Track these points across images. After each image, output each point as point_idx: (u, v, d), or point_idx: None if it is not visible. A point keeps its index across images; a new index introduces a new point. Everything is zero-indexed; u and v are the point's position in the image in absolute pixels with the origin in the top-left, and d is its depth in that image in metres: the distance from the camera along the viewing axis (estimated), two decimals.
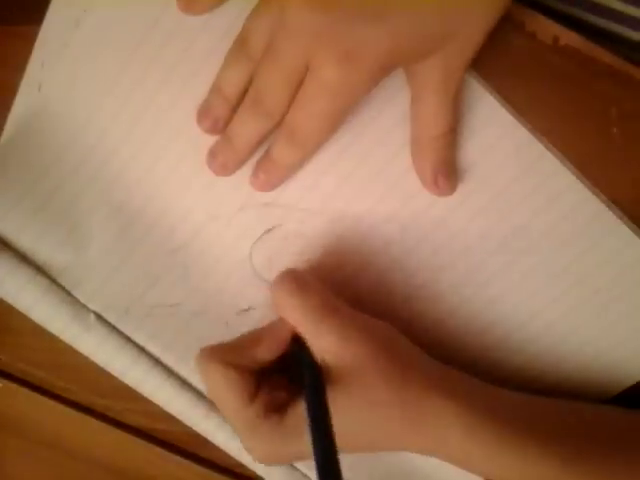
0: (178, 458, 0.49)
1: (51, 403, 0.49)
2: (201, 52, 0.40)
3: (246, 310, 0.45)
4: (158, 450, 0.49)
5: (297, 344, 0.39)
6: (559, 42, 0.40)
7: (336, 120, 0.38)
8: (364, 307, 0.41)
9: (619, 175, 0.41)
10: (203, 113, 0.40)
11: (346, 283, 0.44)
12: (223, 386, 0.38)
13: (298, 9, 0.34)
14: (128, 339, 0.45)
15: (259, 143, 0.40)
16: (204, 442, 0.47)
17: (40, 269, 0.44)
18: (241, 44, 0.38)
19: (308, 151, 0.40)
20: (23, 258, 0.44)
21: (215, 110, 0.40)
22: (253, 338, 0.40)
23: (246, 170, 0.42)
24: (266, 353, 0.39)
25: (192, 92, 0.41)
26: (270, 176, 0.41)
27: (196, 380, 0.46)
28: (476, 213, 0.42)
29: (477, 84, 0.40)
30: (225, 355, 0.38)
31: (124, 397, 0.47)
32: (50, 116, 0.42)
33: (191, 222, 0.43)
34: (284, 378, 0.40)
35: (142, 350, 0.46)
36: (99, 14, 0.41)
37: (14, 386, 0.49)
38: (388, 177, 0.42)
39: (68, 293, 0.45)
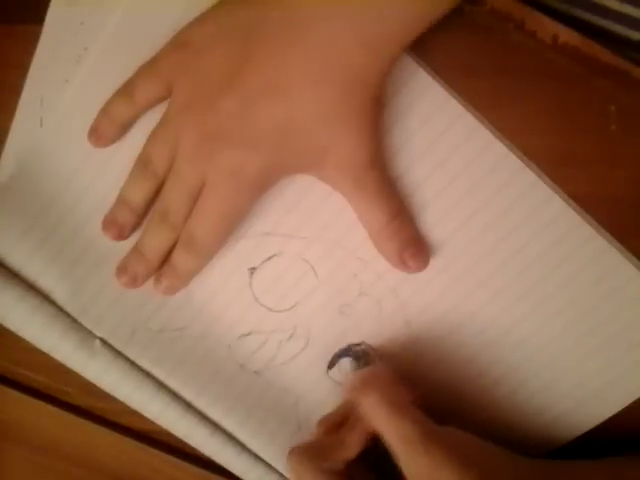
0: (177, 460, 0.49)
1: (48, 407, 0.48)
2: None
3: (247, 335, 0.46)
4: (156, 452, 0.49)
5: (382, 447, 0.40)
6: (558, 40, 0.40)
7: (227, 228, 0.42)
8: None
9: (617, 172, 0.41)
10: (109, 222, 0.44)
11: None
12: None
13: (190, 138, 0.40)
14: (133, 364, 0.46)
15: (167, 253, 0.43)
16: None
17: (46, 298, 0.45)
18: (146, 163, 0.42)
19: (204, 258, 0.43)
20: (29, 288, 0.45)
21: (121, 219, 0.43)
22: (337, 439, 0.42)
23: None
24: (352, 453, 0.41)
25: None
26: (172, 281, 0.44)
27: (200, 403, 0.47)
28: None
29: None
30: (316, 461, 0.40)
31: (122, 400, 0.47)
32: (51, 151, 0.44)
33: None
34: (369, 472, 0.43)
35: (147, 374, 0.46)
36: (100, 51, 0.42)
37: (11, 390, 0.49)
38: None
39: (74, 320, 0.45)
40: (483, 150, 0.41)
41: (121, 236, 0.43)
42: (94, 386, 0.47)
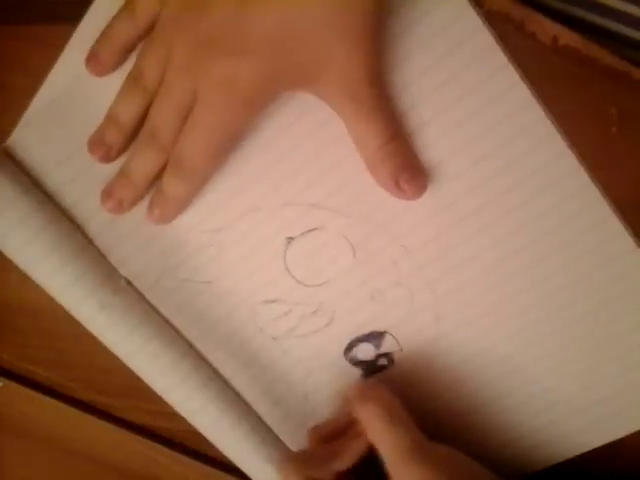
0: (181, 456, 0.49)
1: (53, 402, 0.49)
2: None
3: (273, 301, 0.45)
4: (161, 448, 0.49)
5: (375, 459, 0.40)
6: (558, 42, 0.40)
7: (219, 150, 0.40)
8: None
9: (618, 175, 0.41)
10: (96, 142, 0.41)
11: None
12: None
13: (181, 47, 0.37)
14: (152, 311, 0.45)
15: (156, 177, 0.41)
16: (207, 440, 0.47)
17: (79, 227, 0.43)
18: (136, 77, 0.40)
19: (196, 182, 0.41)
20: (62, 215, 0.43)
21: (108, 138, 0.41)
22: (330, 450, 0.42)
23: (297, 167, 0.42)
24: (345, 464, 0.41)
25: None
26: (164, 210, 0.42)
27: (213, 358, 0.46)
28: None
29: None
30: (308, 469, 0.41)
31: (126, 395, 0.48)
32: (113, 79, 0.41)
33: (233, 208, 0.43)
34: None
35: (164, 324, 0.45)
36: None
37: (16, 385, 0.49)
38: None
39: (102, 255, 0.44)
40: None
41: (108, 157, 0.41)
42: (98, 382, 0.47)
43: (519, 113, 0.39)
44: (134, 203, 0.42)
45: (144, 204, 0.42)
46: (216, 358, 0.46)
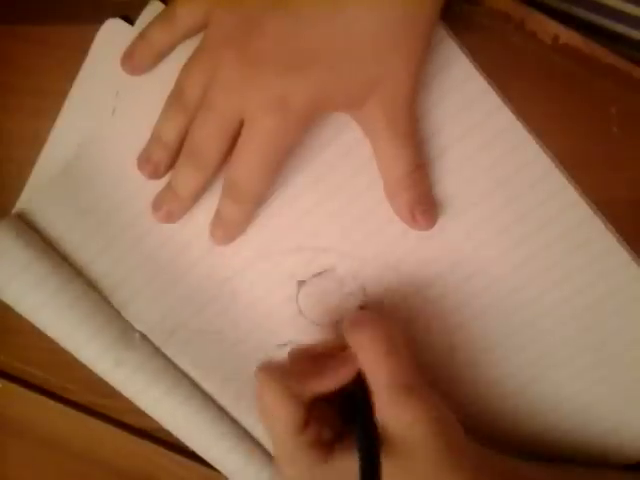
0: (181, 458, 0.49)
1: (51, 403, 0.49)
2: None
3: (286, 345, 0.45)
4: (160, 449, 0.49)
5: (359, 389, 0.38)
6: (559, 41, 0.40)
7: (273, 169, 0.40)
8: None
9: (618, 174, 0.41)
10: (143, 160, 0.42)
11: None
12: (278, 410, 0.37)
13: (230, 64, 0.37)
14: (168, 363, 0.46)
15: (202, 191, 0.42)
16: None
17: (91, 285, 0.44)
18: (178, 95, 0.40)
19: (252, 203, 0.41)
20: (77, 275, 0.44)
21: (155, 156, 0.41)
22: (317, 369, 0.39)
23: (309, 210, 0.43)
24: (326, 387, 0.38)
25: None
26: (226, 232, 0.43)
27: (234, 410, 0.46)
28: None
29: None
30: (287, 380, 0.37)
31: (125, 397, 0.47)
32: (120, 140, 0.43)
33: (243, 254, 0.44)
34: (332, 409, 0.40)
35: (182, 376, 0.46)
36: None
37: (14, 386, 0.49)
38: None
39: (116, 312, 0.45)
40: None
41: (156, 174, 0.42)
42: (96, 383, 0.47)
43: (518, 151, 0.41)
44: (184, 214, 0.43)
45: (159, 261, 0.44)
46: (236, 409, 0.47)
